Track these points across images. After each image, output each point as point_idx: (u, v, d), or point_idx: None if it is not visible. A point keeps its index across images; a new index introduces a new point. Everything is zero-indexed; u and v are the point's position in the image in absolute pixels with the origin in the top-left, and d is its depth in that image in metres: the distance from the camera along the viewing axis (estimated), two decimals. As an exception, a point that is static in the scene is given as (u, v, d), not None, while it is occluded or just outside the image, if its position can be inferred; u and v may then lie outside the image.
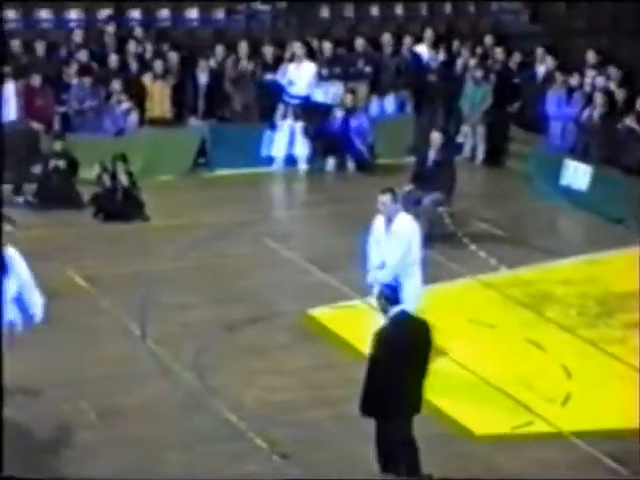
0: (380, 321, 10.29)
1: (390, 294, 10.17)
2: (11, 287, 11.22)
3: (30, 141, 18.89)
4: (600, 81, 20.19)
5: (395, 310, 10.07)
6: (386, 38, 22.06)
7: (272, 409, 11.74)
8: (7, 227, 11.39)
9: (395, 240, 12.25)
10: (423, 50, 22.21)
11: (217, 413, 11.65)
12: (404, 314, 10.13)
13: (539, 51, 21.70)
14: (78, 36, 20.94)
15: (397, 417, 10.04)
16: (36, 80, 19.52)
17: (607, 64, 20.67)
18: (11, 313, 11.26)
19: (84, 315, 13.87)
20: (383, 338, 10.00)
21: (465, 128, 21.46)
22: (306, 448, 10.92)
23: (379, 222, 12.44)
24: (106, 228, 17.02)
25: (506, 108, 21.48)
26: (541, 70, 21.59)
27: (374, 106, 21.89)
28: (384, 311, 10.13)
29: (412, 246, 12.29)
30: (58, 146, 18.49)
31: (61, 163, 18.25)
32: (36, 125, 19.25)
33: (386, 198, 12.32)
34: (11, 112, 18.95)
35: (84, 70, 20.20)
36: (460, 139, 21.50)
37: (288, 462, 10.73)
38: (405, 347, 9.93)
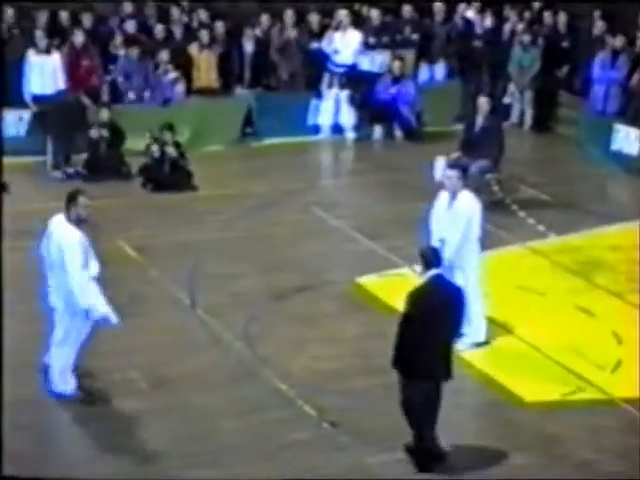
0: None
1: (429, 257, 10.24)
2: (93, 267, 11.26)
3: (77, 111, 18.97)
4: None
5: (431, 273, 10.14)
6: (437, 6, 21.94)
7: (321, 377, 11.82)
8: (82, 199, 11.41)
9: (456, 216, 12.22)
10: (471, 16, 22.11)
11: (267, 382, 11.74)
12: (439, 278, 10.20)
13: (595, 14, 21.48)
14: (128, 6, 21.00)
15: (420, 378, 10.09)
16: (79, 39, 19.44)
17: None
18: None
19: (134, 285, 13.98)
20: (414, 298, 10.11)
21: (512, 88, 21.36)
22: (355, 416, 11.00)
23: (443, 197, 12.43)
24: (155, 198, 17.13)
25: (555, 73, 21.35)
26: (594, 33, 21.41)
27: (424, 73, 21.82)
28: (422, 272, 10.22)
29: (472, 223, 12.27)
30: (104, 116, 18.59)
31: (107, 133, 18.37)
32: (85, 100, 19.30)
33: (453, 173, 12.33)
34: (59, 82, 18.98)
35: (131, 41, 20.29)
36: (507, 99, 21.42)
37: (337, 430, 10.81)
38: (433, 309, 10.02)
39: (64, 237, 11.15)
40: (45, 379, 11.34)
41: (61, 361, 11.32)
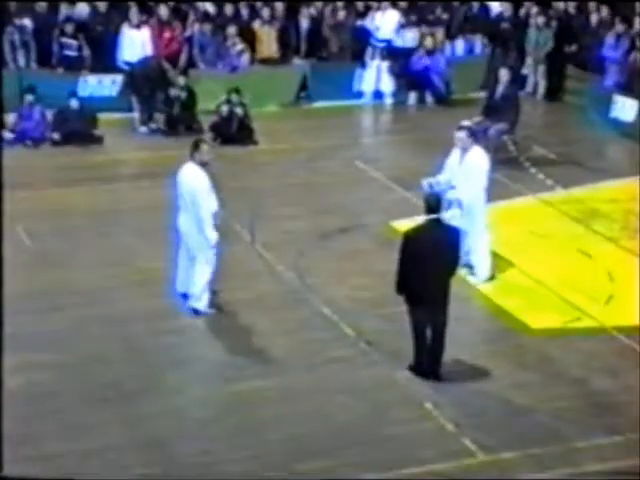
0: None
1: (432, 202, 10.15)
2: (213, 203, 11.24)
3: (159, 75, 18.87)
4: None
5: (431, 217, 10.07)
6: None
7: (359, 304, 11.84)
8: (204, 146, 11.38)
9: (467, 169, 12.19)
10: (495, 5, 21.90)
11: (313, 307, 11.78)
12: (436, 221, 10.11)
13: (592, 3, 21.28)
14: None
15: (413, 305, 10.10)
16: (163, 12, 19.39)
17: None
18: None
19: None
20: (410, 234, 10.17)
21: (529, 61, 21.09)
22: (387, 337, 11.03)
23: (455, 153, 12.39)
24: (222, 151, 17.11)
25: (565, 50, 21.09)
26: (594, 19, 21.18)
27: (447, 48, 21.60)
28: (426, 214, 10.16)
29: (481, 175, 12.22)
30: (181, 80, 18.53)
31: (183, 95, 18.30)
32: (165, 65, 19.24)
33: (462, 133, 12.29)
34: (147, 52, 18.86)
35: (205, 18, 20.21)
36: (525, 71, 21.16)
37: (371, 348, 10.87)
38: (426, 246, 9.96)
39: (192, 179, 11.17)
40: (181, 300, 11.55)
41: (201, 282, 11.37)
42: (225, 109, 17.92)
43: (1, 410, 7.54)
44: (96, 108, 18.02)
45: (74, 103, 17.67)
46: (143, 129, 18.27)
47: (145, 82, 18.45)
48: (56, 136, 17.40)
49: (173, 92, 18.28)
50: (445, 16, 21.45)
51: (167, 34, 19.39)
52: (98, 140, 17.59)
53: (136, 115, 18.47)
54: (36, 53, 19.21)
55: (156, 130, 18.25)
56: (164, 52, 19.29)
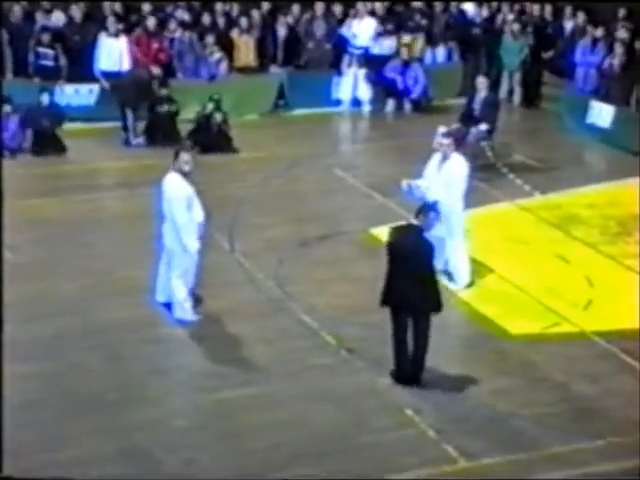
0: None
1: (419, 209, 10.24)
2: (198, 214, 11.27)
3: (142, 87, 18.75)
4: (621, 34, 19.82)
5: (409, 222, 10.22)
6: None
7: (340, 312, 11.80)
8: (182, 155, 11.29)
9: (446, 176, 12.22)
10: (469, 7, 21.97)
11: (294, 315, 11.74)
12: (415, 227, 10.18)
13: (567, 9, 21.42)
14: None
15: (395, 310, 10.14)
16: (151, 23, 19.37)
17: (629, 19, 20.34)
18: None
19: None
20: (390, 242, 10.22)
21: (505, 73, 21.19)
22: (369, 345, 11.01)
23: (435, 158, 12.42)
24: (202, 159, 17.01)
25: (541, 56, 21.17)
26: (569, 25, 21.30)
27: (428, 55, 21.65)
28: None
29: (460, 182, 12.25)
30: (163, 92, 18.45)
31: (166, 107, 18.20)
32: (155, 70, 19.06)
33: (447, 140, 12.32)
34: (124, 62, 18.86)
35: (184, 27, 20.16)
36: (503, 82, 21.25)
37: (353, 356, 10.84)
38: (405, 248, 10.02)
39: (170, 188, 11.15)
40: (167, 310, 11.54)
41: (180, 294, 11.36)
42: (204, 115, 17.87)
43: (1, 411, 7.45)
44: (73, 117, 17.94)
45: (45, 98, 17.44)
46: (140, 140, 18.05)
47: (135, 93, 18.24)
48: (26, 144, 17.18)
49: (157, 103, 18.19)
50: (424, 22, 21.49)
51: (155, 45, 19.38)
52: (62, 147, 17.39)
53: (130, 127, 18.08)
54: (12, 63, 19.12)
55: (133, 139, 18.11)
56: (152, 63, 19.18)
